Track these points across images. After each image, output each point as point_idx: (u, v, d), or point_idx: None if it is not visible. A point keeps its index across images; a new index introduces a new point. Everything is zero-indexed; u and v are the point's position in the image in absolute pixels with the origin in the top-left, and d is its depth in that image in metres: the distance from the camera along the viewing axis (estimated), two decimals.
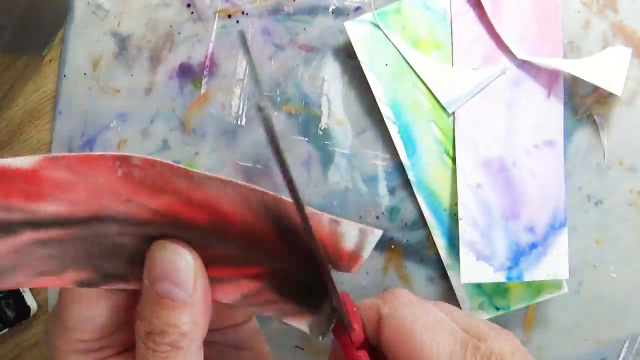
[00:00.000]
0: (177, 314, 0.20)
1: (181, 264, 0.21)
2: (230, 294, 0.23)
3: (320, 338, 0.25)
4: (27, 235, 0.19)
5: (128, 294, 0.22)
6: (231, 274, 0.23)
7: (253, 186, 0.21)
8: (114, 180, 0.19)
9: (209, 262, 0.22)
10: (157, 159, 0.20)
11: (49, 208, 0.19)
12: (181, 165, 0.20)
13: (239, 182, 0.21)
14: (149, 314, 0.20)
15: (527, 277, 0.34)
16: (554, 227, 0.34)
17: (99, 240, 0.20)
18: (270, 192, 0.22)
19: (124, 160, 0.19)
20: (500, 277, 0.34)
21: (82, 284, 0.20)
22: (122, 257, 0.21)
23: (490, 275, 0.34)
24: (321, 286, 0.25)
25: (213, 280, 0.22)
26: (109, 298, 0.21)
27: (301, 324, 0.25)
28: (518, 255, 0.34)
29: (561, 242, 0.34)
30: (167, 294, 0.20)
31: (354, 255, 0.24)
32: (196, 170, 0.21)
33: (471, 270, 0.34)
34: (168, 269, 0.20)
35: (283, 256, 0.24)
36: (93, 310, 0.21)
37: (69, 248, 0.20)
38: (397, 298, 0.26)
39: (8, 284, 0.19)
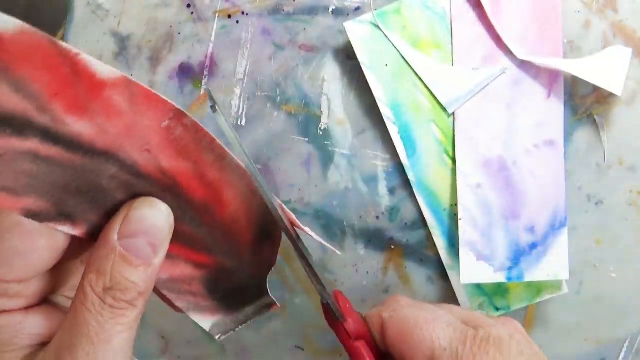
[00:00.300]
0: (140, 272, 0.20)
1: (163, 226, 0.20)
2: (162, 271, 0.23)
3: (218, 337, 0.25)
4: (30, 144, 0.18)
5: (65, 241, 0.21)
6: (181, 254, 0.23)
7: (266, 189, 0.21)
8: (156, 127, 0.19)
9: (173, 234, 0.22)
10: (202, 126, 0.20)
11: (76, 126, 0.18)
12: (220, 142, 0.20)
13: (261, 179, 0.21)
14: (110, 269, 0.20)
15: (528, 278, 0.34)
16: (554, 227, 0.34)
17: (88, 176, 0.20)
18: (278, 200, 0.22)
19: (178, 115, 0.19)
20: (500, 278, 0.34)
21: (31, 214, 0.19)
22: (93, 200, 0.20)
23: (490, 275, 0.34)
24: (253, 291, 0.25)
25: None
26: (49, 238, 0.20)
27: (204, 321, 0.25)
28: (518, 256, 0.34)
29: (561, 242, 0.34)
30: (137, 251, 0.20)
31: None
32: (230, 153, 0.21)
33: (471, 270, 0.34)
34: (148, 228, 0.20)
35: (242, 256, 0.24)
36: (27, 245, 0.20)
37: (54, 172, 0.19)
38: (397, 302, 0.27)
39: None
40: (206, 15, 0.38)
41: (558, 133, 0.34)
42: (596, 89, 0.34)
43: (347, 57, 0.36)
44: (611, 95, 0.34)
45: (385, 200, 0.36)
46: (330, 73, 0.37)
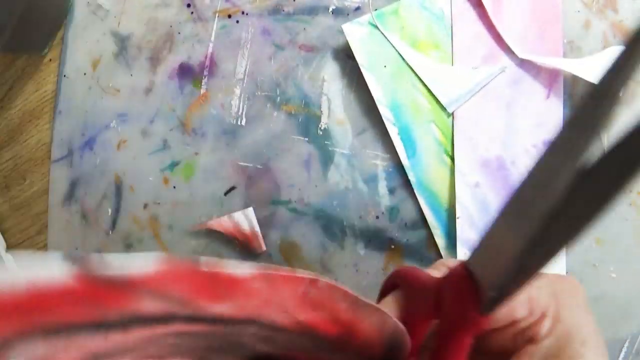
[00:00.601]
0: None
1: None
2: None
3: None
4: (175, 327, 0.19)
5: None
6: None
7: (391, 316, 0.23)
8: (292, 295, 0.21)
9: None
10: (336, 283, 0.21)
11: (217, 308, 0.20)
12: (352, 292, 0.22)
13: (384, 311, 0.22)
14: None
15: None
16: None
17: (229, 337, 0.21)
18: (400, 324, 0.23)
19: (313, 282, 0.21)
20: None
21: None
22: (234, 352, 0.22)
23: None
24: None
25: None
26: None
27: None
28: None
29: None
30: None
31: None
32: (362, 297, 0.22)
33: None
34: None
35: None
36: None
37: (197, 340, 0.21)
38: (446, 263, 0.26)
39: None
40: (206, 15, 0.38)
41: None
42: None
43: (347, 57, 0.36)
44: None
45: (385, 200, 0.36)
46: (330, 73, 0.37)
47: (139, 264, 0.17)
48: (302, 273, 0.20)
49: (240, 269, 0.19)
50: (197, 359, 0.21)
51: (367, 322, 0.23)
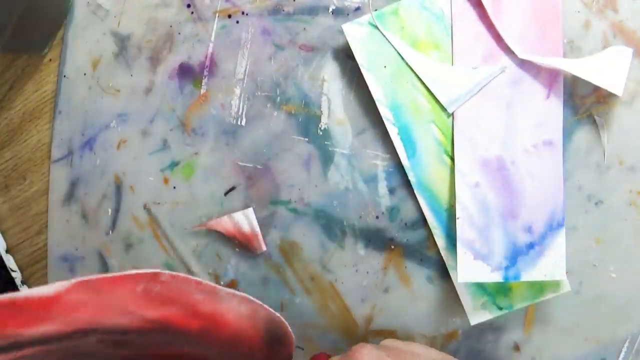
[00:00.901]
0: None
1: None
2: None
3: None
4: (4, 357, 0.19)
5: None
6: None
7: (265, 306, 0.22)
8: (131, 295, 0.20)
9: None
10: (184, 275, 0.20)
11: (36, 331, 0.19)
12: (208, 282, 0.21)
13: (256, 300, 0.22)
14: None
15: (524, 278, 0.34)
16: (552, 228, 0.34)
17: (71, 350, 0.20)
18: (277, 314, 0.23)
19: (153, 277, 0.20)
20: (497, 277, 0.34)
21: None
22: None
23: (487, 274, 0.34)
24: None
25: None
26: None
27: None
28: (515, 255, 0.34)
29: (559, 243, 0.34)
30: None
31: None
32: (223, 288, 0.21)
33: (468, 269, 0.34)
34: None
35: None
36: None
37: (48, 357, 0.20)
38: (355, 351, 0.27)
39: None
40: (206, 15, 0.38)
41: (557, 133, 0.34)
42: (596, 89, 0.34)
43: (347, 57, 0.36)
44: (611, 95, 0.34)
45: (385, 200, 0.36)
46: (330, 73, 0.37)
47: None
48: (138, 271, 0.19)
49: (46, 287, 0.18)
50: None
51: (233, 312, 0.22)
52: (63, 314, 0.19)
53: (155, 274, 0.20)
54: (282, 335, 0.24)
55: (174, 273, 0.20)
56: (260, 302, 0.22)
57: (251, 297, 0.22)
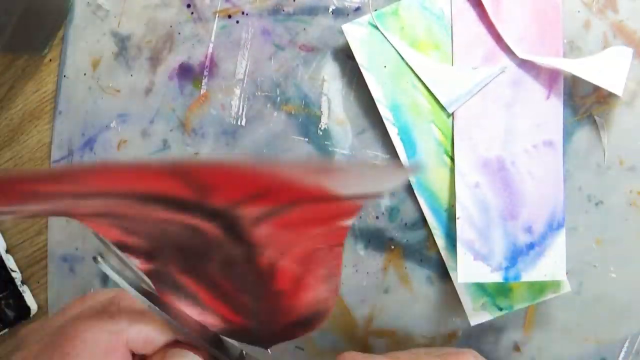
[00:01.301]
0: None
1: None
2: (188, 311, 0.23)
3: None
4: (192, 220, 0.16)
5: None
6: (216, 309, 0.23)
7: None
8: (307, 245, 0.19)
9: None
10: None
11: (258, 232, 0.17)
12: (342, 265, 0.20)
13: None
14: None
15: (525, 278, 0.34)
16: (552, 228, 0.34)
17: (205, 246, 0.19)
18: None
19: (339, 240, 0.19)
20: (497, 277, 0.34)
21: (122, 245, 0.19)
22: (185, 260, 0.20)
23: (487, 275, 0.34)
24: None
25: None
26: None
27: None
28: (515, 256, 0.34)
29: (559, 243, 0.34)
30: None
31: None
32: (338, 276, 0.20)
33: (468, 269, 0.34)
34: None
35: (273, 329, 0.24)
36: (150, 334, 0.21)
37: (181, 235, 0.18)
38: None
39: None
40: (206, 15, 0.38)
41: (557, 134, 0.34)
42: (596, 89, 0.34)
43: (347, 57, 0.36)
44: (611, 95, 0.34)
45: (385, 200, 0.36)
46: (330, 73, 0.37)
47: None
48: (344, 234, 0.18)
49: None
50: (150, 242, 0.19)
51: (316, 293, 0.21)
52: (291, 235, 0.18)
53: (341, 242, 0.19)
54: (313, 325, 0.23)
55: (341, 249, 0.19)
56: (338, 293, 0.21)
57: (338, 288, 0.21)
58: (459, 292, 0.36)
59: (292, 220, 0.17)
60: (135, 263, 0.20)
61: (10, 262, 0.41)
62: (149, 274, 0.20)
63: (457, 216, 0.34)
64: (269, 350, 0.24)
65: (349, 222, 0.18)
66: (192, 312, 0.22)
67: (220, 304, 0.22)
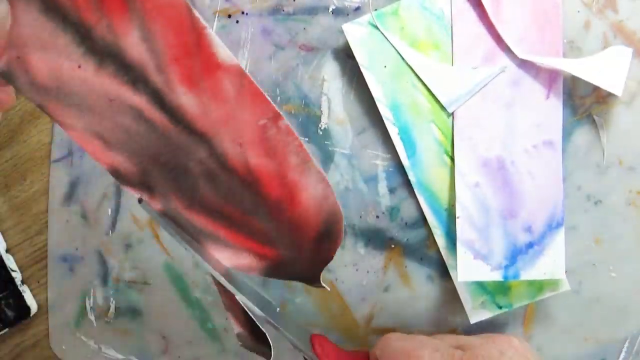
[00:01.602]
0: None
1: None
2: (226, 261, 0.24)
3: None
4: (139, 100, 0.20)
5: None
6: (245, 246, 0.24)
7: (334, 193, 0.23)
8: (253, 124, 0.21)
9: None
10: (298, 137, 0.21)
11: (184, 98, 0.20)
12: (307, 151, 0.22)
13: (329, 183, 0.22)
14: None
15: (524, 277, 0.34)
16: (552, 227, 0.34)
17: (179, 152, 0.21)
18: (339, 206, 0.23)
19: (276, 116, 0.20)
20: (496, 276, 0.34)
21: (117, 173, 0.22)
22: (176, 179, 0.22)
23: (486, 273, 0.34)
24: (305, 282, 0.26)
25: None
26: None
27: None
28: (515, 255, 0.34)
29: (558, 242, 0.34)
30: None
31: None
32: (312, 158, 0.22)
33: (468, 268, 0.34)
34: None
35: (302, 251, 0.25)
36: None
37: (150, 137, 0.21)
38: (388, 338, 0.27)
39: None
40: (206, 15, 0.38)
41: (557, 133, 0.34)
42: (596, 89, 0.34)
43: (347, 57, 0.36)
44: (611, 95, 0.34)
45: (385, 199, 0.36)
46: (330, 73, 0.37)
47: None
48: (270, 101, 0.20)
49: (222, 48, 0.19)
50: (141, 167, 0.21)
51: (310, 191, 0.22)
52: (210, 94, 0.20)
53: (279, 114, 0.20)
54: (335, 233, 0.24)
55: (289, 124, 0.21)
56: (331, 186, 0.22)
57: (325, 175, 0.22)
58: (458, 291, 0.36)
59: (192, 72, 0.19)
60: (145, 199, 0.22)
61: (10, 262, 0.41)
62: (165, 214, 0.22)
63: (457, 215, 0.34)
64: (322, 284, 0.26)
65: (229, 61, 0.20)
66: (225, 256, 0.23)
67: (243, 237, 0.23)
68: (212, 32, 0.19)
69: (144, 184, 0.22)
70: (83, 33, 0.18)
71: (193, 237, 0.23)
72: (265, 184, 0.22)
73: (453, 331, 0.37)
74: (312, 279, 0.26)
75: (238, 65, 0.19)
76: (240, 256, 0.24)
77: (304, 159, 0.21)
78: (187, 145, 0.20)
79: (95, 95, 0.19)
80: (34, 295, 0.41)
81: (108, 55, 0.19)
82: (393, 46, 0.35)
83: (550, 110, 0.34)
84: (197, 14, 0.18)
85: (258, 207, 0.22)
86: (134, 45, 0.18)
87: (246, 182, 0.22)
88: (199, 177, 0.21)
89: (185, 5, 0.18)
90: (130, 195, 0.39)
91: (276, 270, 0.25)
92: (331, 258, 0.26)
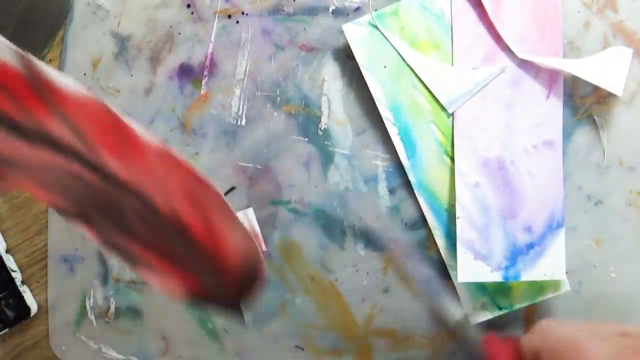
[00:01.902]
0: None
1: None
2: (147, 279, 0.26)
3: None
4: (73, 167, 0.22)
5: None
6: (165, 269, 0.26)
7: (259, 249, 0.25)
8: (180, 184, 0.23)
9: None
10: (216, 189, 0.23)
11: (114, 166, 0.22)
12: (233, 210, 0.24)
13: (252, 239, 0.25)
14: None
15: (524, 277, 0.34)
16: (552, 228, 0.34)
17: (113, 199, 0.24)
18: (261, 254, 0.25)
19: (202, 183, 0.23)
20: (497, 277, 0.34)
21: (56, 208, 0.24)
22: (112, 218, 0.25)
23: (487, 274, 0.34)
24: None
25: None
26: None
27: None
28: (515, 255, 0.34)
29: (558, 243, 0.34)
30: None
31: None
32: (238, 215, 0.25)
33: (468, 269, 0.34)
34: None
35: (224, 283, 0.27)
36: None
37: (85, 189, 0.23)
38: (548, 325, 0.27)
39: None
40: (206, 16, 0.38)
41: (557, 133, 0.34)
42: (596, 89, 0.34)
43: (347, 57, 0.36)
44: (611, 95, 0.34)
45: (385, 200, 0.36)
46: (330, 73, 0.37)
47: (67, 81, 0.20)
48: (198, 168, 0.22)
49: (148, 135, 0.21)
50: (78, 207, 0.24)
51: (233, 247, 0.24)
52: (138, 165, 0.22)
53: (206, 185, 0.23)
54: (256, 273, 0.26)
55: (220, 194, 0.23)
56: (256, 243, 0.25)
57: (249, 233, 0.25)
58: (459, 292, 0.36)
59: (119, 152, 0.22)
60: (88, 235, 0.25)
61: (10, 262, 0.41)
62: (104, 245, 0.25)
63: (457, 216, 0.34)
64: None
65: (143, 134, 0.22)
66: (155, 282, 0.26)
67: (170, 266, 0.25)
68: (135, 124, 0.21)
69: (82, 220, 0.24)
70: (13, 126, 0.21)
71: (130, 262, 0.26)
72: (191, 228, 0.24)
73: (454, 333, 0.37)
74: (233, 308, 0.28)
75: (164, 148, 0.22)
76: (168, 282, 0.26)
77: (231, 216, 0.24)
78: (119, 195, 0.23)
79: (33, 160, 0.22)
80: (34, 296, 0.41)
81: (39, 139, 0.21)
82: (393, 46, 0.35)
83: (551, 110, 0.34)
84: (117, 114, 0.21)
85: (186, 244, 0.25)
86: (58, 129, 0.21)
87: (172, 223, 0.24)
88: (132, 217, 0.24)
89: (106, 109, 0.21)
90: None
91: (202, 298, 0.27)
92: (254, 294, 0.27)
